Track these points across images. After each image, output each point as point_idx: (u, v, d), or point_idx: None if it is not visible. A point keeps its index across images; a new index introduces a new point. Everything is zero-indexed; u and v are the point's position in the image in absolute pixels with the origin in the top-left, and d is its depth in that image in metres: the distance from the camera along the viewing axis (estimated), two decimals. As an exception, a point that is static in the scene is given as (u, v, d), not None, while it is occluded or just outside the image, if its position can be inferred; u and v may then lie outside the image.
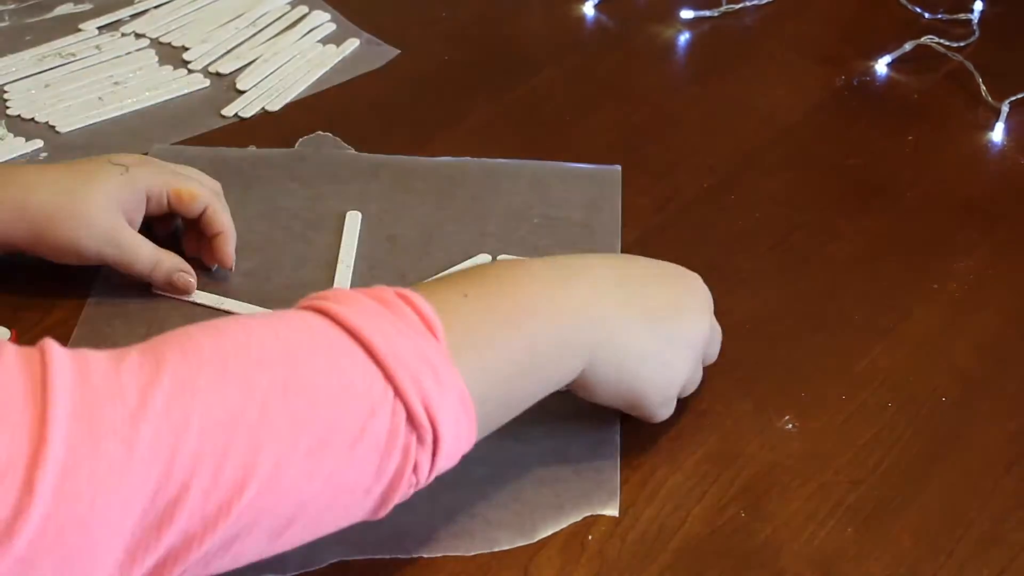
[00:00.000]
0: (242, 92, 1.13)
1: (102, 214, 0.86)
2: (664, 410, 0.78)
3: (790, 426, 0.82)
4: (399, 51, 1.19)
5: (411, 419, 0.62)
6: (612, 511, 0.76)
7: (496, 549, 0.74)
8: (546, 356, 0.70)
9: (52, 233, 0.86)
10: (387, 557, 0.73)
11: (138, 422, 0.55)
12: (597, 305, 0.72)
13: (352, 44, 1.19)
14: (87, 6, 1.24)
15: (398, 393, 0.61)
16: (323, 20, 1.23)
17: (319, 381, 0.61)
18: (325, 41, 1.20)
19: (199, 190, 0.91)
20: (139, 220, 0.90)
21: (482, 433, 0.68)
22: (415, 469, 0.63)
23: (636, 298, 0.75)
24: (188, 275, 0.90)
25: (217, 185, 0.95)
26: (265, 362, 0.60)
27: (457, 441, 0.65)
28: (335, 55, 1.18)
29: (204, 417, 0.56)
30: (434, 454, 0.63)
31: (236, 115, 1.10)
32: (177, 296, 0.90)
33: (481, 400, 0.66)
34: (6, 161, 1.04)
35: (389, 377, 0.61)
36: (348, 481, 0.61)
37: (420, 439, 0.62)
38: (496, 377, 0.68)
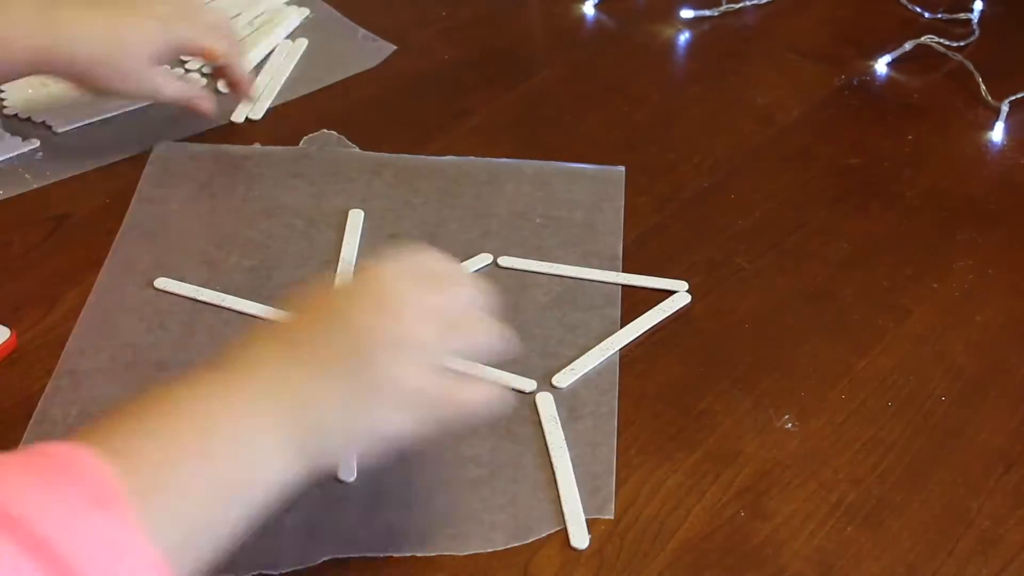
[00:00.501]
0: (222, 93, 1.13)
1: (142, 69, 0.99)
2: (419, 415, 0.67)
3: (790, 425, 0.82)
4: (395, 47, 1.19)
5: None
6: (608, 514, 0.76)
7: (491, 549, 0.73)
8: (243, 474, 0.62)
9: (96, 81, 0.99)
10: (381, 556, 0.73)
11: None
12: (272, 395, 0.64)
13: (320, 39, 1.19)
14: (86, 5, 1.24)
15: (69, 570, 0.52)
16: (306, 16, 1.23)
17: None
18: (309, 38, 1.20)
19: (223, 49, 1.03)
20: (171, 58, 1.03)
21: (196, 571, 0.60)
22: None
23: (308, 354, 0.66)
24: (205, 100, 1.05)
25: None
26: None
27: None
28: (316, 54, 1.18)
29: None
30: None
31: (230, 121, 1.10)
32: (200, 115, 1.05)
33: (182, 547, 0.58)
34: (2, 161, 1.03)
35: (54, 559, 0.52)
36: None
37: None
38: (193, 516, 0.59)
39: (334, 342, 0.66)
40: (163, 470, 0.59)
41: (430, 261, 0.72)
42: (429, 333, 0.68)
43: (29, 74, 0.98)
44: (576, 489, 0.77)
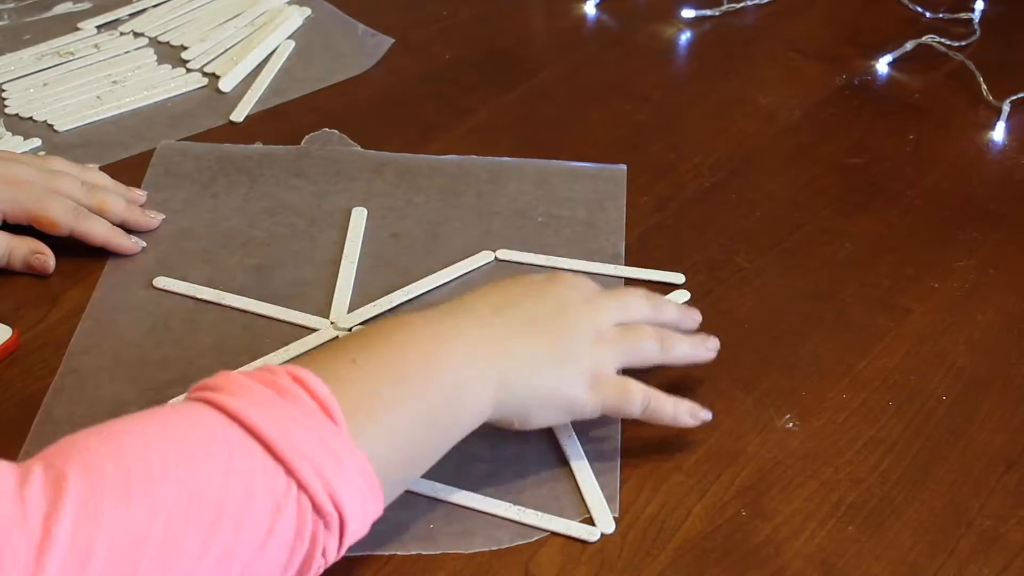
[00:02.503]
0: (223, 93, 1.13)
1: None
2: (599, 395, 0.76)
3: (791, 425, 0.82)
4: (394, 40, 1.19)
5: (317, 509, 0.62)
6: (612, 511, 0.76)
7: (497, 547, 0.73)
8: (446, 407, 0.70)
9: None
10: (387, 554, 0.73)
11: (43, 555, 0.54)
12: (483, 340, 0.72)
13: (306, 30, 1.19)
14: (86, 5, 1.25)
15: (301, 486, 0.61)
16: (307, 16, 1.23)
17: (221, 486, 0.59)
18: (309, 36, 1.20)
19: (58, 215, 0.92)
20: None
21: (391, 498, 0.69)
22: (324, 552, 0.63)
23: (517, 315, 0.75)
24: (43, 255, 0.92)
25: (98, 181, 0.97)
26: (166, 475, 0.58)
27: (364, 517, 0.65)
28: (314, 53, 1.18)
29: (109, 544, 0.55)
30: (341, 535, 0.63)
31: (230, 120, 1.10)
32: (38, 275, 0.92)
33: (385, 468, 0.65)
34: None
35: (290, 471, 0.61)
36: (260, 566, 0.61)
37: (327, 525, 0.62)
38: (398, 441, 0.68)
39: (538, 309, 0.76)
40: (375, 398, 0.67)
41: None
42: (617, 327, 0.78)
43: None
44: (593, 475, 0.77)
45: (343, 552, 0.65)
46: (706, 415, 0.79)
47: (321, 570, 0.64)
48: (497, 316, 0.74)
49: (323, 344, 0.72)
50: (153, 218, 0.97)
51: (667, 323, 0.81)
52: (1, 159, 0.95)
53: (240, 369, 0.69)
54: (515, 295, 0.77)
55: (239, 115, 1.10)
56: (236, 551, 0.59)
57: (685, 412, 0.78)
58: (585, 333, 0.76)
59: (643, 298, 0.81)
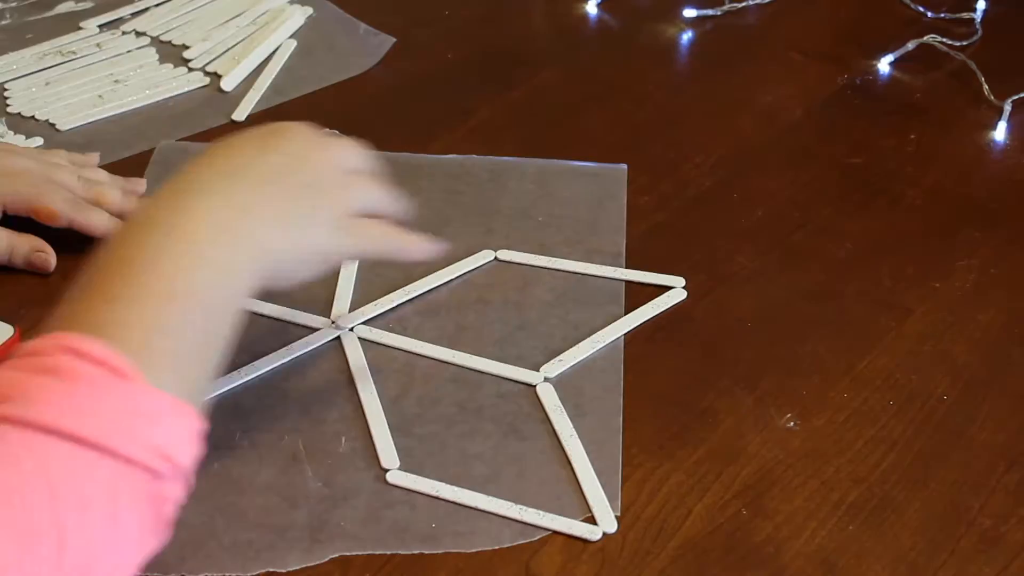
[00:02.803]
0: (225, 92, 1.13)
1: None
2: (352, 239, 0.76)
3: (791, 424, 0.82)
4: (395, 39, 1.20)
5: (149, 471, 0.60)
6: (614, 510, 0.76)
7: (498, 547, 0.73)
8: (216, 298, 0.68)
9: None
10: (388, 553, 0.73)
11: None
12: (225, 215, 0.69)
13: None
14: (88, 4, 1.25)
15: (128, 461, 0.59)
16: (309, 15, 1.23)
17: (50, 512, 0.56)
18: (311, 36, 1.20)
19: (58, 205, 0.92)
20: None
21: (206, 395, 0.67)
22: (172, 499, 0.62)
23: (251, 178, 0.72)
24: (44, 253, 0.92)
25: (96, 177, 0.97)
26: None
27: (192, 444, 0.63)
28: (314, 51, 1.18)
29: None
30: (180, 475, 0.62)
31: (232, 120, 1.10)
32: (39, 273, 0.92)
33: (189, 385, 0.64)
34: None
35: (111, 453, 0.59)
36: (121, 547, 0.60)
37: (164, 478, 0.61)
38: (190, 356, 0.66)
39: (271, 164, 0.73)
40: (151, 328, 0.64)
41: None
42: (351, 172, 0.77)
43: None
44: (594, 474, 0.77)
45: (190, 479, 0.64)
46: (440, 247, 0.81)
47: (175, 510, 0.63)
48: (232, 184, 0.71)
49: (71, 285, 0.68)
50: None
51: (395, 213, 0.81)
52: (1, 150, 0.95)
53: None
54: (243, 157, 0.74)
55: (241, 114, 1.10)
56: (91, 559, 0.58)
57: (418, 243, 0.80)
58: (325, 180, 0.75)
59: (359, 150, 0.80)
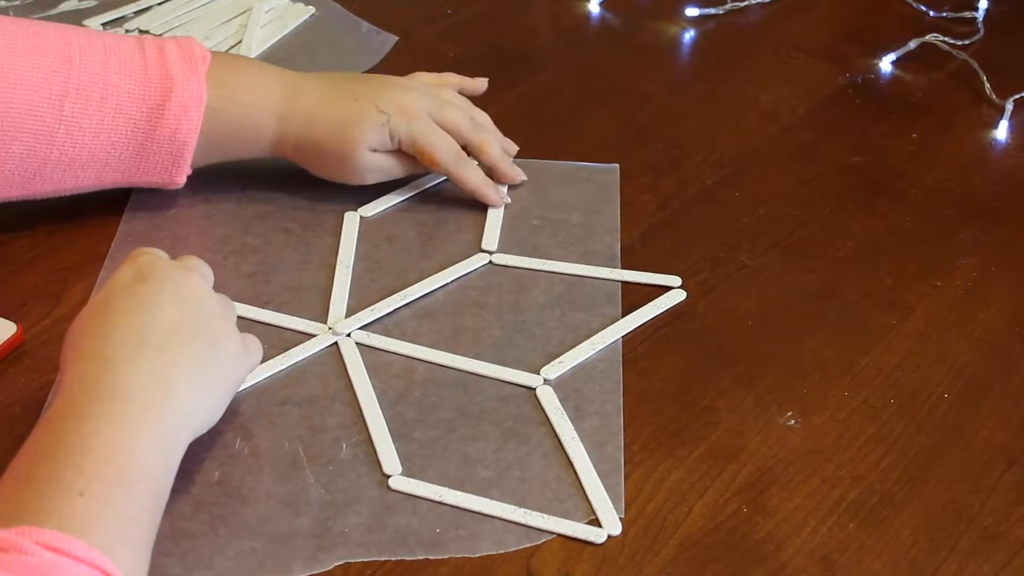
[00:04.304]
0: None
1: (361, 159, 0.97)
2: (250, 356, 0.79)
3: (792, 422, 0.82)
4: (397, 38, 1.20)
5: None
6: (618, 512, 0.76)
7: (503, 551, 0.73)
8: (166, 478, 0.69)
9: (320, 164, 0.98)
10: (394, 559, 0.73)
11: None
12: (152, 399, 0.70)
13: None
14: (91, 2, 1.25)
15: None
16: (312, 14, 1.23)
17: None
18: (313, 35, 1.21)
19: (441, 156, 0.97)
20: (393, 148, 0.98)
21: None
22: None
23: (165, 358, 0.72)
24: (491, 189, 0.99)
25: (477, 121, 1.01)
26: None
27: None
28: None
29: None
30: None
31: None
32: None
33: (146, 560, 0.65)
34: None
35: None
36: None
37: None
38: (150, 535, 0.66)
39: (161, 325, 0.73)
40: (123, 520, 0.64)
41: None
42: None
43: (270, 155, 0.98)
44: (597, 476, 0.77)
45: None
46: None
47: None
48: (142, 354, 0.71)
49: (18, 460, 0.66)
50: (517, 174, 1.01)
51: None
52: (397, 85, 1.00)
53: None
54: (133, 318, 0.73)
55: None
56: None
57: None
58: (211, 315, 0.76)
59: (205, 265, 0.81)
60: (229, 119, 0.95)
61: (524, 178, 1.02)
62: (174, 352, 0.72)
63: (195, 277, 0.77)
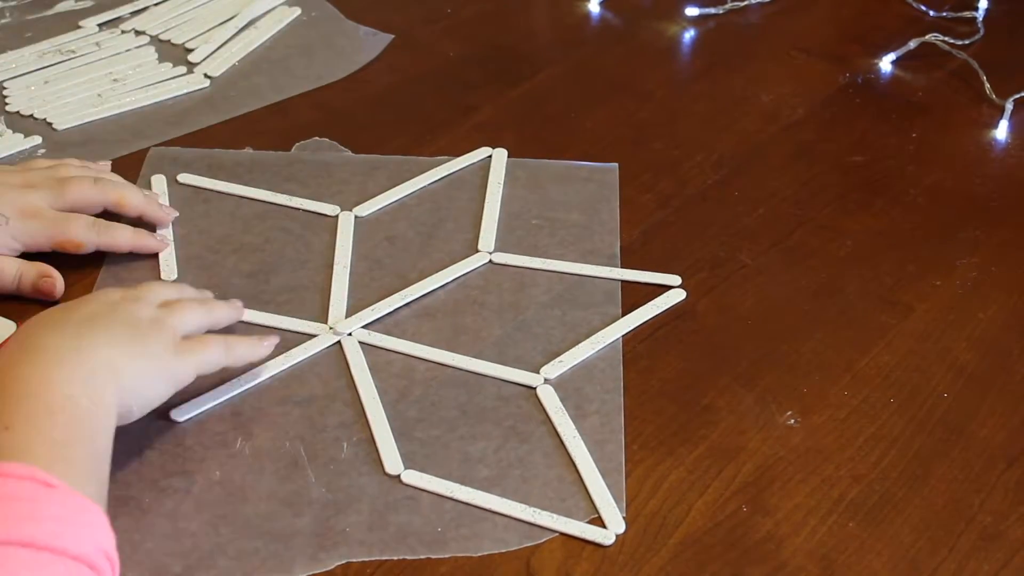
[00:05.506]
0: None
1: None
2: (190, 357, 0.79)
3: (792, 421, 0.82)
4: (392, 36, 1.20)
5: (94, 568, 0.63)
6: (620, 511, 0.75)
7: (505, 550, 0.73)
8: (91, 410, 0.71)
9: None
10: (396, 558, 0.73)
11: None
12: (76, 353, 0.73)
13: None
14: (88, 3, 1.25)
15: (77, 559, 0.62)
16: (307, 13, 1.23)
17: None
18: (309, 35, 1.21)
19: (80, 238, 0.92)
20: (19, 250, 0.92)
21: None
22: None
23: (98, 329, 0.75)
24: (51, 279, 0.91)
25: (123, 194, 0.95)
26: None
27: (112, 540, 0.66)
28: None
29: None
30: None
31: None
32: (46, 299, 0.90)
33: (97, 484, 0.68)
34: (4, 158, 1.04)
35: (63, 553, 0.62)
36: None
37: (103, 572, 0.64)
38: (88, 458, 0.69)
39: (89, 312, 0.76)
40: (57, 444, 0.68)
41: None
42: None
43: None
44: (599, 475, 0.77)
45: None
46: (273, 339, 0.84)
47: None
48: (65, 328, 0.74)
49: None
50: (168, 213, 0.97)
51: (221, 322, 0.84)
52: (11, 185, 0.93)
53: None
54: (62, 318, 0.76)
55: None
56: None
57: (259, 345, 0.83)
58: (142, 319, 0.78)
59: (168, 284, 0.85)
60: None
61: (176, 214, 0.98)
62: (96, 327, 0.75)
63: (140, 291, 0.80)
